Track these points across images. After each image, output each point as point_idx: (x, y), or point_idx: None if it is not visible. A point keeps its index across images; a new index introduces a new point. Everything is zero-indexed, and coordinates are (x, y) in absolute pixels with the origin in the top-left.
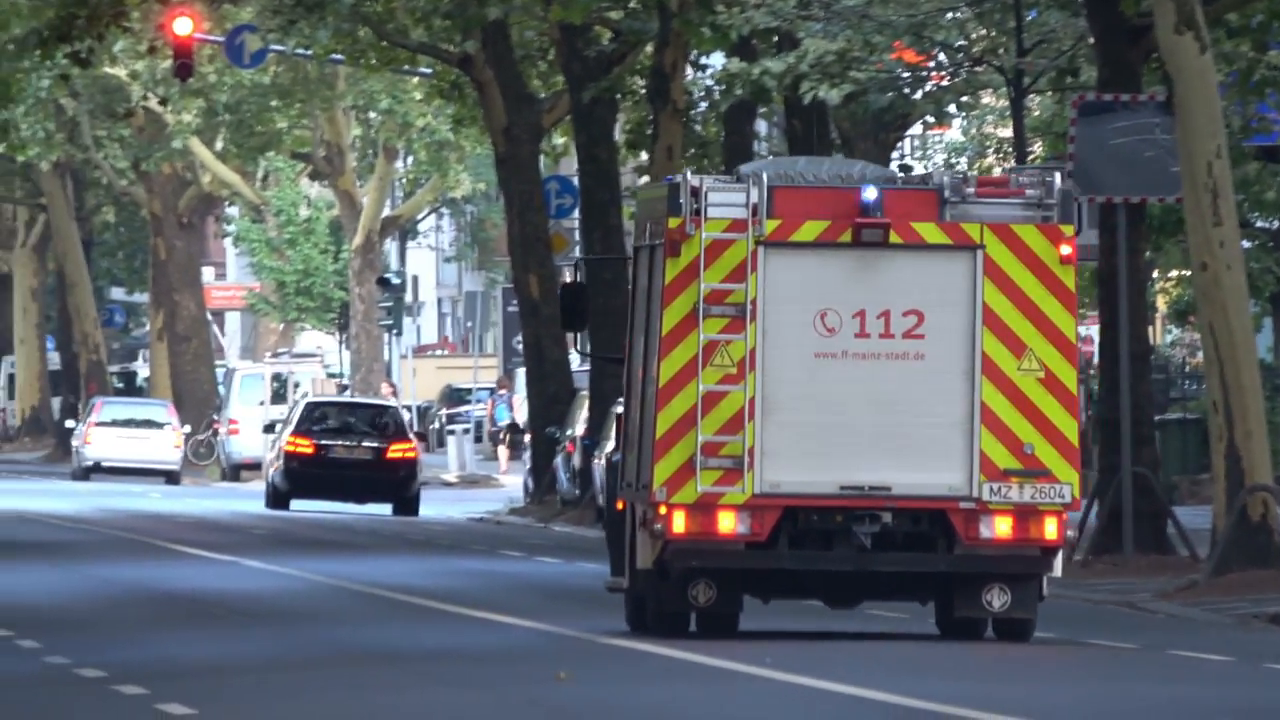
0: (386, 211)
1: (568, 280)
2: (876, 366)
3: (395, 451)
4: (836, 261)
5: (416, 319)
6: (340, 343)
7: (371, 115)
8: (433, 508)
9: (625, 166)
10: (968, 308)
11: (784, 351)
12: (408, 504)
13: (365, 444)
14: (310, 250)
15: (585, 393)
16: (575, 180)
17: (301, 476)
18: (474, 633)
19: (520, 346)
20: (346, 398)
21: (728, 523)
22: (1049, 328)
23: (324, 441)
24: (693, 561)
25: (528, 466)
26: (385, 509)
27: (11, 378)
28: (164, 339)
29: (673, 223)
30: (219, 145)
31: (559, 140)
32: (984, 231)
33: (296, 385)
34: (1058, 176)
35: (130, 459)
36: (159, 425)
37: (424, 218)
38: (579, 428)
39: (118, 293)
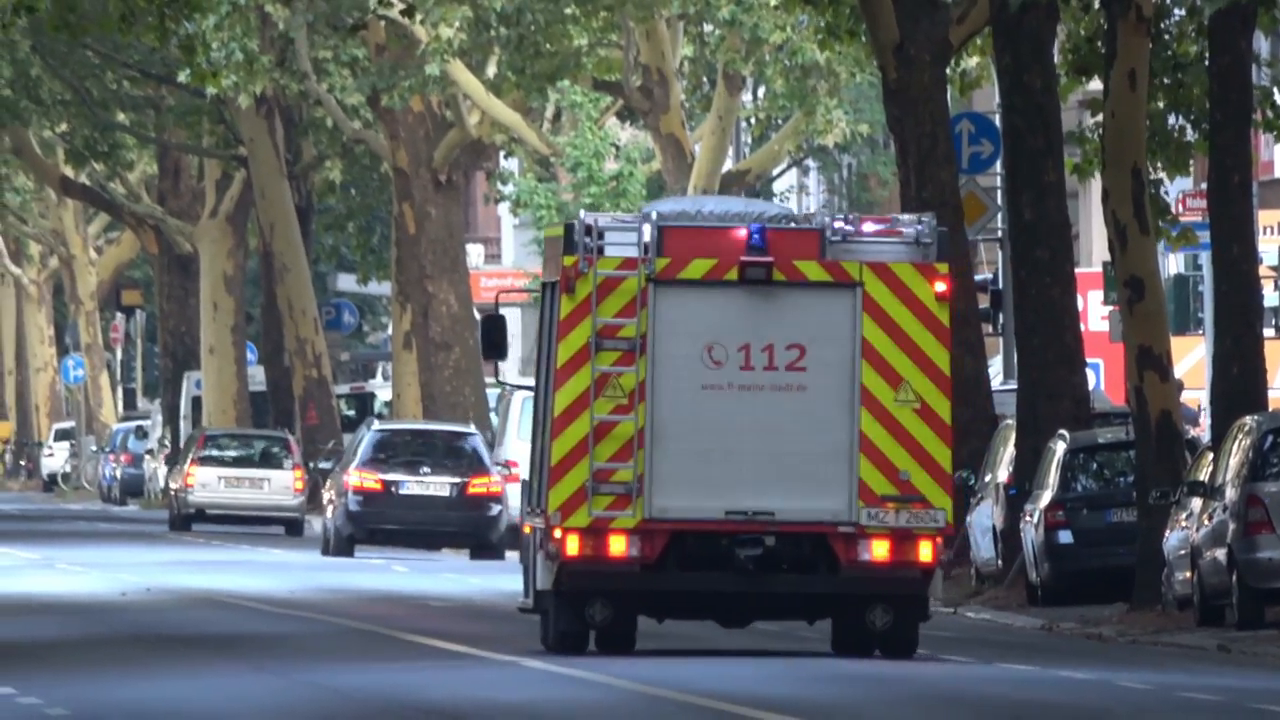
0: (729, 165)
1: (488, 315)
2: (761, 397)
3: (477, 486)
4: (723, 297)
5: None
6: None
7: (707, 29)
8: None
9: (1068, 100)
10: (848, 342)
11: (673, 383)
12: (491, 549)
13: (442, 478)
14: None
15: (1010, 422)
16: (996, 120)
17: (368, 518)
18: None
19: None
20: (420, 424)
21: (619, 546)
22: (924, 361)
23: (393, 476)
24: (586, 583)
25: None
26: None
27: (197, 402)
28: (413, 347)
29: (567, 261)
30: (491, 71)
31: (972, 63)
32: (863, 270)
33: None
34: (933, 218)
35: (241, 504)
36: (276, 462)
37: (782, 173)
38: (1002, 471)
39: (347, 282)
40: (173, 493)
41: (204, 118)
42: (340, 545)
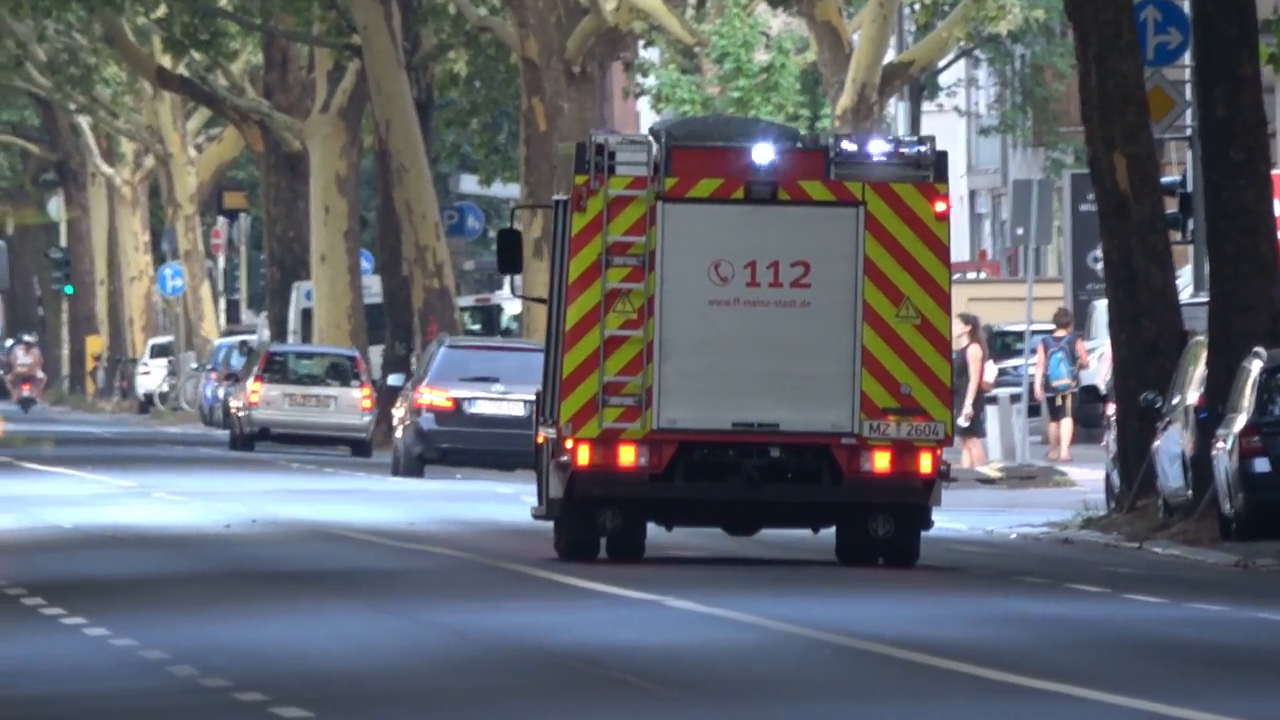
0: (890, 56)
1: (504, 229)
2: (766, 313)
3: None
4: (730, 216)
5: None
6: None
7: None
8: (960, 517)
9: None
10: (850, 259)
11: (680, 299)
12: None
13: (515, 396)
14: (772, 116)
15: (1201, 339)
16: (1185, 6)
17: (439, 437)
18: None
19: (1099, 266)
20: (493, 340)
21: (628, 456)
22: (925, 278)
23: (465, 393)
24: (597, 491)
25: (1111, 454)
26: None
27: (307, 314)
28: (544, 255)
29: (579, 180)
30: None
31: None
32: (865, 189)
33: None
34: (934, 139)
35: (307, 424)
36: (344, 380)
37: (949, 65)
38: (1191, 392)
39: (470, 183)
40: (234, 411)
41: (314, 3)
42: (410, 465)
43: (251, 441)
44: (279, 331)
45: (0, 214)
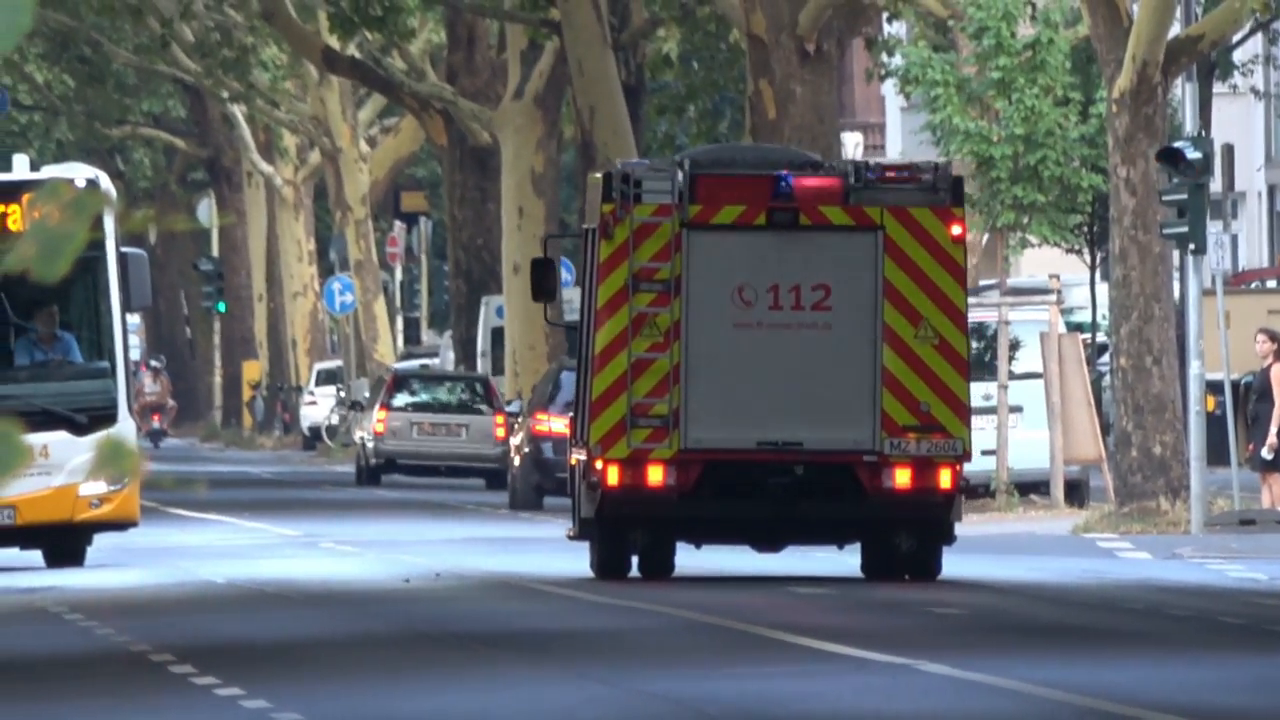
0: (1176, 30)
1: (537, 259)
2: (789, 335)
3: None
4: (753, 241)
5: (1229, 224)
6: (1093, 267)
7: None
8: (1259, 567)
9: None
10: (870, 282)
11: (706, 322)
12: None
13: None
14: (1038, 100)
15: None
16: None
17: (559, 466)
18: None
19: None
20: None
21: (656, 475)
22: (942, 300)
23: None
24: (626, 511)
25: None
26: None
27: (498, 334)
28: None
29: (605, 208)
30: None
31: None
32: (884, 214)
33: (1015, 345)
34: (952, 165)
35: (438, 454)
36: (475, 407)
37: (1243, 40)
38: None
39: None
40: (360, 441)
41: None
42: (528, 498)
43: (378, 474)
44: (465, 354)
45: (142, 219)
